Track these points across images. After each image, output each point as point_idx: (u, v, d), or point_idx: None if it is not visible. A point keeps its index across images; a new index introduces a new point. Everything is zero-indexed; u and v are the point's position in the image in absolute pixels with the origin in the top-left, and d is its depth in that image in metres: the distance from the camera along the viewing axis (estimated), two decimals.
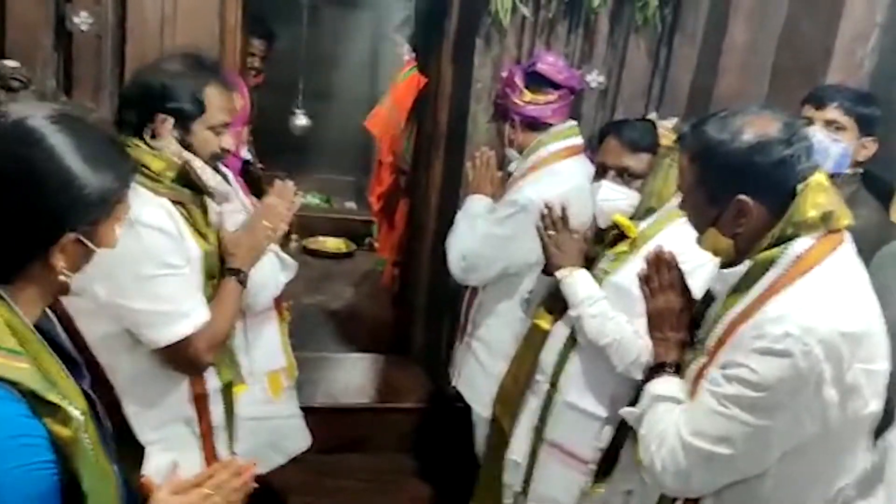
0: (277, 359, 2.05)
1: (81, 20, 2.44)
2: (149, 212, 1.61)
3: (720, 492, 1.39)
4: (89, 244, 1.08)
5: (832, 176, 1.96)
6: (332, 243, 5.04)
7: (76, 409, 1.03)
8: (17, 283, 1.05)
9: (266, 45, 3.30)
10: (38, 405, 0.98)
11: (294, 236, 5.17)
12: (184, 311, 1.68)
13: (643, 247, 1.80)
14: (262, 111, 5.05)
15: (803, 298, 1.27)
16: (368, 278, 4.63)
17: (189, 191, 1.72)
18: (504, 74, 2.31)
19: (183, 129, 1.72)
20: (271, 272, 1.92)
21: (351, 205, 5.82)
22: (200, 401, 1.82)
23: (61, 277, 1.07)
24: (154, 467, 1.44)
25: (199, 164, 1.74)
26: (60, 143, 1.02)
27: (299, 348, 3.46)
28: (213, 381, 1.83)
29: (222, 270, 1.78)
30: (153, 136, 1.69)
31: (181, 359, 1.72)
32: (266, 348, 2.01)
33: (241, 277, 1.78)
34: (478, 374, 2.36)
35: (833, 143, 1.98)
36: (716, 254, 1.43)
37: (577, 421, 1.91)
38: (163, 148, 1.69)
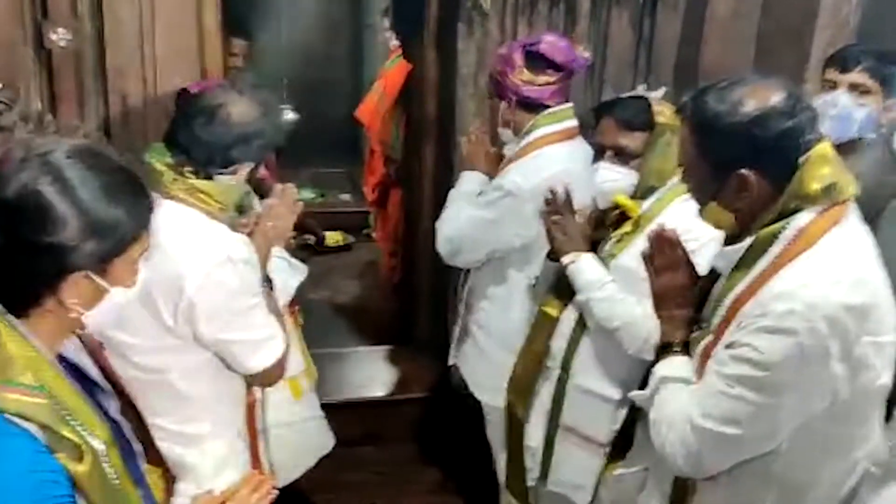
0: (296, 363, 2.06)
1: (59, 36, 2.41)
2: (237, 247, 1.65)
3: (733, 469, 1.39)
4: (100, 282, 1.07)
5: (858, 140, 1.96)
6: (331, 237, 5.02)
7: (96, 439, 1.04)
8: (34, 317, 1.06)
9: (247, 45, 3.28)
10: (54, 440, 1.00)
11: (293, 233, 5.16)
12: (272, 334, 1.73)
13: (647, 226, 1.78)
14: None
15: (806, 274, 1.26)
16: (370, 270, 4.63)
17: (238, 215, 1.76)
18: (503, 51, 2.23)
19: (255, 168, 1.77)
20: (283, 279, 1.93)
21: (346, 197, 5.80)
22: (249, 410, 1.89)
23: (72, 314, 1.07)
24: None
25: (250, 190, 1.82)
26: (74, 178, 1.02)
27: (307, 346, 3.53)
28: (257, 390, 1.88)
29: None
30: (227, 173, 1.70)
31: (271, 377, 1.78)
32: None
33: (269, 284, 1.82)
34: (478, 361, 2.36)
35: (858, 108, 1.95)
36: (718, 228, 1.41)
37: (591, 404, 1.92)
38: (233, 183, 1.71)
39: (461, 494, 2.95)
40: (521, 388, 2.02)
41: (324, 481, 2.85)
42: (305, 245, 5.01)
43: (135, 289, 1.53)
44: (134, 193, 1.10)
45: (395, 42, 3.99)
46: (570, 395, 1.92)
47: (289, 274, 1.97)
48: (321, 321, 3.97)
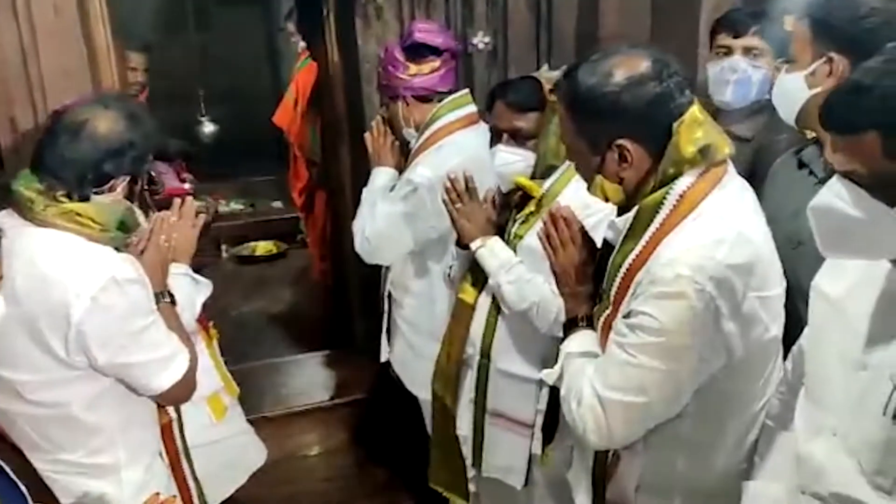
0: (212, 381, 2.03)
1: None
2: (122, 267, 1.58)
3: (647, 436, 1.41)
4: None
5: (756, 103, 1.99)
6: (262, 246, 4.96)
7: None
8: None
9: (146, 58, 3.19)
10: None
11: (224, 247, 5.08)
12: (174, 351, 1.67)
13: (550, 205, 1.79)
14: (167, 125, 4.93)
15: (690, 238, 1.28)
16: (304, 276, 4.58)
17: (123, 234, 1.68)
18: (382, 55, 2.26)
19: (133, 182, 1.68)
20: (187, 295, 1.88)
21: (278, 204, 5.71)
22: (166, 430, 1.82)
23: None
24: None
25: (133, 206, 1.72)
26: None
27: (244, 359, 3.47)
28: (170, 409, 1.82)
29: None
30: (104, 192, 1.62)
31: (180, 394, 1.72)
32: (199, 373, 1.98)
33: (169, 298, 1.76)
34: (409, 356, 2.36)
35: (755, 70, 1.98)
36: (607, 201, 1.42)
37: (514, 387, 1.92)
38: (111, 201, 1.63)
39: (410, 491, 2.93)
40: (446, 377, 2.01)
41: (268, 496, 2.82)
42: (239, 256, 4.94)
43: (13, 322, 1.47)
44: None
45: (302, 44, 3.95)
46: (492, 380, 1.92)
47: (194, 290, 1.91)
48: (257, 332, 3.92)
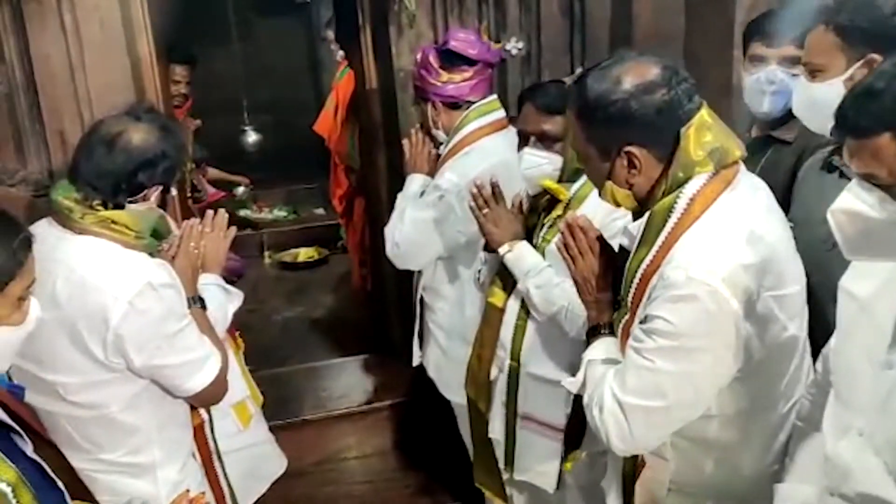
0: (240, 389, 2.06)
1: None
2: (157, 272, 1.65)
3: (674, 440, 1.42)
4: None
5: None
6: (304, 252, 5.03)
7: (1, 482, 1.04)
8: None
9: (189, 70, 3.28)
10: None
11: (267, 253, 5.17)
12: (207, 353, 1.73)
13: (578, 208, 1.80)
14: (212, 135, 5.06)
15: (701, 240, 1.28)
16: (344, 281, 4.63)
17: (157, 241, 1.76)
18: (417, 57, 2.28)
19: (166, 191, 1.76)
20: (220, 304, 1.94)
21: (320, 211, 5.79)
22: (199, 431, 1.88)
23: None
24: None
25: (165, 214, 1.81)
26: None
27: (286, 362, 3.54)
28: (202, 411, 1.88)
29: None
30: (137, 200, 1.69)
31: (213, 396, 1.78)
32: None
33: (199, 303, 1.81)
34: (442, 361, 2.38)
35: (792, 80, 1.91)
36: (619, 206, 1.43)
37: (544, 391, 1.92)
38: (145, 209, 1.71)
39: (448, 494, 2.95)
40: (479, 381, 2.03)
41: (310, 498, 2.87)
42: (282, 262, 5.02)
43: (54, 325, 1.53)
44: (4, 232, 1.10)
45: (342, 53, 4.00)
46: (523, 384, 1.93)
47: (225, 299, 1.96)
48: (299, 336, 3.98)
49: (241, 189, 5.05)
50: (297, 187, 5.83)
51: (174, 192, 2.49)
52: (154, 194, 1.72)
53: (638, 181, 1.36)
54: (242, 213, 5.38)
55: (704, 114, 1.33)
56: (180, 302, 1.70)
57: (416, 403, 3.15)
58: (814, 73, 1.63)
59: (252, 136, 5.13)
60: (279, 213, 5.63)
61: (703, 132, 1.31)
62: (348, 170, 3.99)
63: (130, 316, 1.57)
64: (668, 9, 2.59)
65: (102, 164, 1.63)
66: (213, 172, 5.14)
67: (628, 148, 1.32)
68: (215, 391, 1.77)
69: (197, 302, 1.81)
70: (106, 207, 1.64)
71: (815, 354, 1.46)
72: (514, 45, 2.74)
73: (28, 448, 1.18)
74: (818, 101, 1.59)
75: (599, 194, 1.44)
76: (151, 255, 1.71)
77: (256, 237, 5.24)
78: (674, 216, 1.31)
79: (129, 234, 1.64)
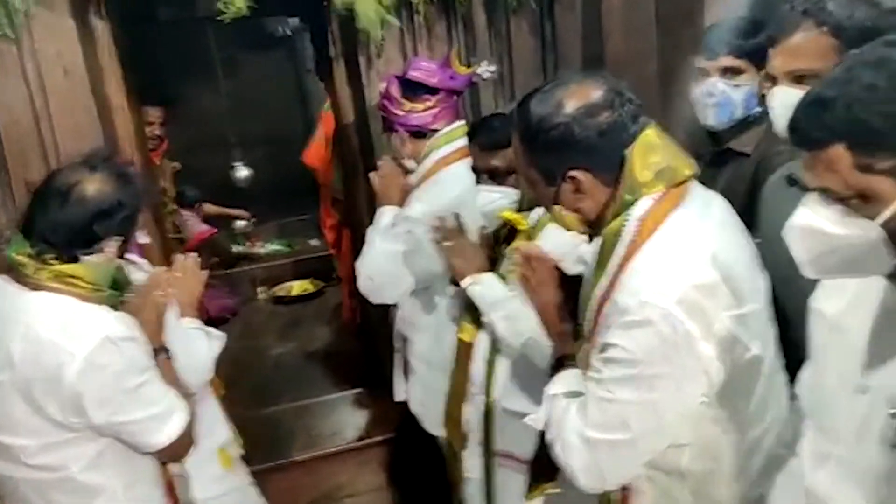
0: (222, 433, 2.03)
1: None
2: (115, 325, 1.60)
3: (649, 473, 1.36)
4: None
5: (745, 119, 1.92)
6: (298, 286, 4.99)
7: None
8: None
9: (163, 111, 3.26)
10: None
11: (260, 289, 5.13)
12: (173, 406, 1.67)
13: (540, 235, 1.75)
14: (202, 173, 5.05)
15: (652, 262, 1.23)
16: (340, 313, 4.57)
17: (118, 292, 1.70)
18: (381, 86, 2.25)
19: (124, 242, 1.72)
20: (203, 351, 1.91)
21: (315, 242, 5.77)
22: (170, 487, 1.81)
23: None
24: None
25: (123, 264, 1.75)
26: None
27: (279, 400, 3.48)
28: (174, 466, 1.81)
29: None
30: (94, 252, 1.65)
31: (179, 450, 1.72)
32: (209, 426, 1.97)
33: (166, 353, 1.76)
34: (424, 395, 2.32)
35: (734, 90, 1.90)
36: (569, 230, 1.38)
37: (520, 426, 1.82)
38: (102, 261, 1.66)
39: None
40: (452, 418, 1.96)
41: None
42: (276, 297, 4.98)
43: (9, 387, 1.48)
44: None
45: None
46: (497, 420, 1.87)
47: (208, 344, 1.92)
48: (292, 373, 3.92)
49: (241, 223, 5.03)
50: (290, 219, 5.82)
51: (147, 239, 2.46)
52: (112, 245, 1.67)
53: (586, 205, 1.31)
54: (235, 249, 5.36)
55: (650, 134, 1.28)
56: (142, 354, 1.64)
57: (408, 438, 3.07)
58: (801, 78, 1.55)
59: (243, 172, 5.11)
60: (272, 246, 5.61)
61: (649, 153, 1.26)
62: (335, 201, 3.97)
63: (88, 372, 1.52)
64: (639, 26, 2.55)
65: (56, 217, 1.59)
66: (210, 209, 5.16)
67: (573, 172, 1.28)
68: (182, 446, 1.71)
69: (163, 352, 1.76)
70: (61, 261, 1.59)
71: (792, 376, 1.39)
72: (486, 69, 2.69)
73: None
74: None
75: (550, 218, 1.39)
76: (113, 307, 1.66)
77: (250, 273, 5.20)
78: (624, 240, 1.26)
79: (85, 287, 1.59)
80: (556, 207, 1.34)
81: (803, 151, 1.02)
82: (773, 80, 1.61)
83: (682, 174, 1.28)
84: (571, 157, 1.27)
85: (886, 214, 0.94)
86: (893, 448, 1.01)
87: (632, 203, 1.27)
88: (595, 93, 1.26)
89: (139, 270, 1.96)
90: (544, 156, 1.30)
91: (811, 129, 0.98)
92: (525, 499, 1.84)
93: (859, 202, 0.96)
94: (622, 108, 1.26)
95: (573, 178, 1.28)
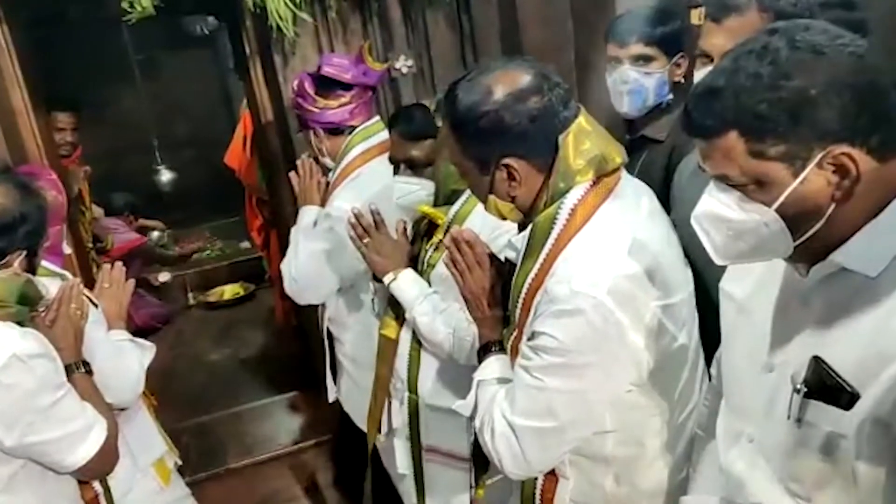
0: (157, 446, 1.98)
1: None
2: (24, 343, 1.51)
3: (574, 459, 1.37)
4: None
5: (658, 107, 1.94)
6: (229, 290, 4.89)
7: None
8: None
9: (74, 116, 3.13)
10: None
11: (191, 295, 5.02)
12: (90, 422, 1.60)
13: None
14: (125, 178, 4.90)
15: (584, 251, 1.23)
16: (273, 316, 4.50)
17: (27, 307, 1.61)
18: (294, 84, 2.21)
19: (32, 255, 1.64)
20: (134, 365, 1.85)
21: (246, 244, 5.66)
22: None
23: None
24: None
25: (35, 278, 1.66)
26: None
27: (213, 408, 3.40)
28: (95, 483, 1.74)
29: None
30: None
31: (98, 468, 1.64)
32: (144, 440, 1.94)
33: (86, 368, 1.69)
34: (354, 393, 2.30)
35: (646, 78, 1.92)
36: (505, 220, 1.37)
37: (445, 420, 1.83)
38: (7, 276, 1.57)
39: None
40: (376, 416, 1.94)
41: None
42: (208, 303, 4.87)
43: None
44: None
45: None
46: (423, 416, 1.85)
47: (139, 355, 1.86)
48: (226, 380, 3.85)
49: (155, 234, 4.90)
50: (219, 222, 5.70)
51: (68, 250, 2.37)
52: (17, 259, 1.60)
53: (520, 193, 1.29)
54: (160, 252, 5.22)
55: (583, 120, 1.27)
56: (55, 371, 1.57)
57: (343, 438, 3.04)
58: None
59: (166, 175, 5.00)
60: (203, 250, 5.48)
61: (582, 139, 1.25)
62: (259, 202, 3.89)
63: None
64: (555, 16, 2.57)
65: None
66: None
67: (506, 160, 1.26)
68: (102, 462, 1.63)
69: (80, 367, 1.68)
70: None
71: (709, 359, 1.42)
72: (403, 64, 2.69)
73: None
74: None
75: (485, 208, 1.37)
76: (22, 323, 1.59)
77: (180, 279, 5.07)
78: (556, 228, 1.25)
79: None
80: (491, 197, 1.32)
81: (699, 140, 1.03)
82: (709, 59, 1.63)
83: (613, 162, 1.28)
84: (504, 144, 1.25)
85: (781, 199, 0.96)
86: (798, 423, 1.03)
87: (565, 191, 1.26)
88: (523, 78, 1.24)
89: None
90: (476, 144, 1.28)
91: (704, 118, 0.99)
92: (474, 495, 1.83)
93: (756, 188, 0.98)
94: (551, 93, 1.24)
95: (507, 165, 1.26)
